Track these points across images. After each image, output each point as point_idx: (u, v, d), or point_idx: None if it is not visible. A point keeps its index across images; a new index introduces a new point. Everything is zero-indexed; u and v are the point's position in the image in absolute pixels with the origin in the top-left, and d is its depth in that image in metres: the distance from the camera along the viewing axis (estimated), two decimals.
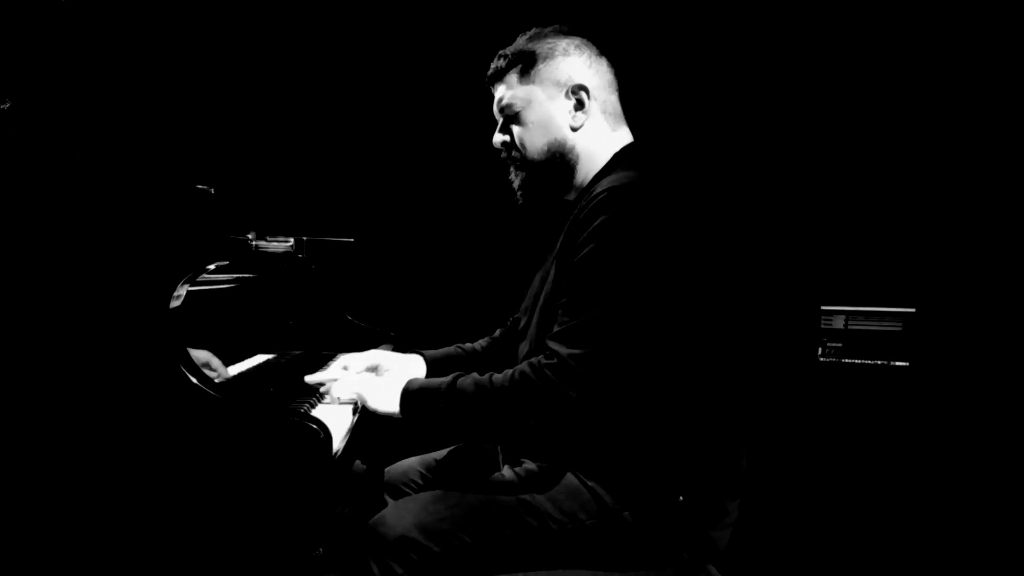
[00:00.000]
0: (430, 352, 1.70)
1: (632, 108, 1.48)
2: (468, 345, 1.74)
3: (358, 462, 1.80)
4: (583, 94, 1.38)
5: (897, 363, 2.51)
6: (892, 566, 2.32)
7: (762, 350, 2.68)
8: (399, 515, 1.23)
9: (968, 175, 2.56)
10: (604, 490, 1.23)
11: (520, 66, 1.40)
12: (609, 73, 1.43)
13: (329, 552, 1.65)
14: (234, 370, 1.47)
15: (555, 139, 1.39)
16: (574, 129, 1.39)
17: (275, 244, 1.80)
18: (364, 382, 1.37)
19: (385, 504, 1.51)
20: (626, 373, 1.19)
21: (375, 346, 2.01)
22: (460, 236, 2.94)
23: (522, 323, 1.49)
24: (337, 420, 1.26)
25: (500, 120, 1.47)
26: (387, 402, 1.29)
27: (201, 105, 2.56)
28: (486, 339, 1.75)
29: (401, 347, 1.86)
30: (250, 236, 1.68)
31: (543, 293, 1.37)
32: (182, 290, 1.18)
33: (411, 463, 1.61)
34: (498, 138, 1.47)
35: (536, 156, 1.41)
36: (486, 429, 1.25)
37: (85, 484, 1.12)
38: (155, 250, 1.17)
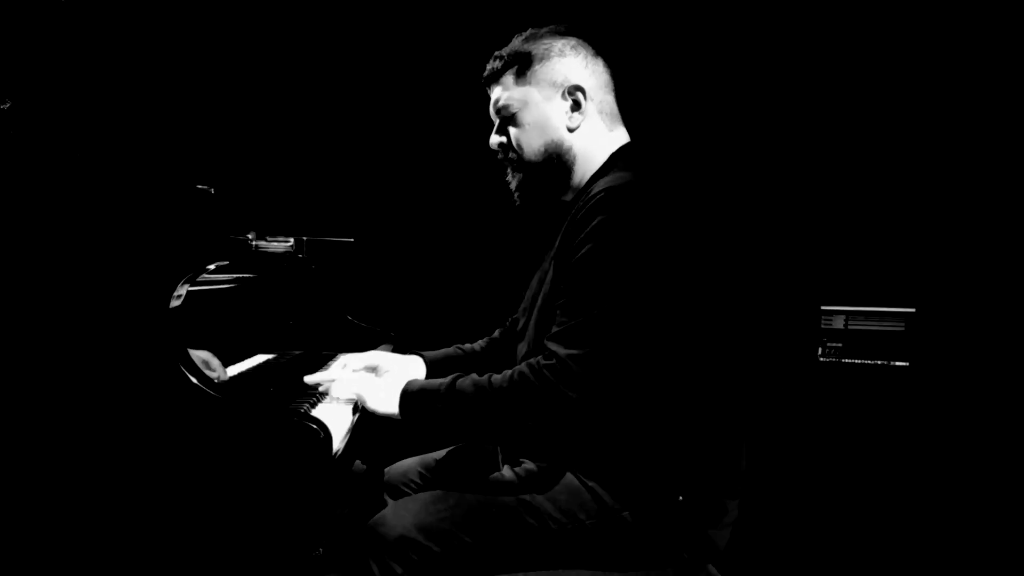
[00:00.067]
0: (429, 353, 1.70)
1: (630, 108, 1.48)
2: (467, 346, 1.74)
3: (358, 462, 1.80)
4: (579, 95, 1.38)
5: (897, 363, 2.51)
6: (892, 566, 2.32)
7: (762, 350, 2.68)
8: (399, 515, 1.23)
9: (968, 175, 2.56)
10: (604, 490, 1.23)
11: (516, 67, 1.40)
12: (605, 73, 1.43)
13: (329, 552, 1.65)
14: (234, 370, 1.47)
15: (552, 140, 1.39)
16: (571, 130, 1.39)
17: (275, 244, 1.80)
18: (363, 383, 1.36)
19: (385, 504, 1.52)
20: (625, 373, 1.19)
21: (375, 346, 2.01)
22: (460, 236, 2.94)
23: (520, 324, 1.49)
24: (337, 420, 1.26)
25: (496, 121, 1.46)
26: (386, 403, 1.29)
27: (201, 105, 2.56)
28: (485, 340, 1.75)
29: (401, 348, 1.86)
30: (250, 236, 1.68)
31: (541, 294, 1.37)
32: (182, 290, 1.18)
33: (411, 463, 1.61)
34: (495, 139, 1.47)
35: (533, 157, 1.41)
36: (485, 430, 1.25)
37: (85, 484, 1.12)
38: (155, 250, 1.17)
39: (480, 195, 2.69)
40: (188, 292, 1.21)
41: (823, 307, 2.62)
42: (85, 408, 1.11)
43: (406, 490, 1.55)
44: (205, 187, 1.40)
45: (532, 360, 1.19)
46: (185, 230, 1.22)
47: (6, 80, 1.50)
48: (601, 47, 1.44)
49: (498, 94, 1.43)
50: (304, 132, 2.87)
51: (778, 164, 2.75)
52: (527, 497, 1.25)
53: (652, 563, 1.25)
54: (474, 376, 1.24)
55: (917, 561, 2.31)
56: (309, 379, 1.45)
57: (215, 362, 1.33)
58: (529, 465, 1.32)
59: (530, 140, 1.40)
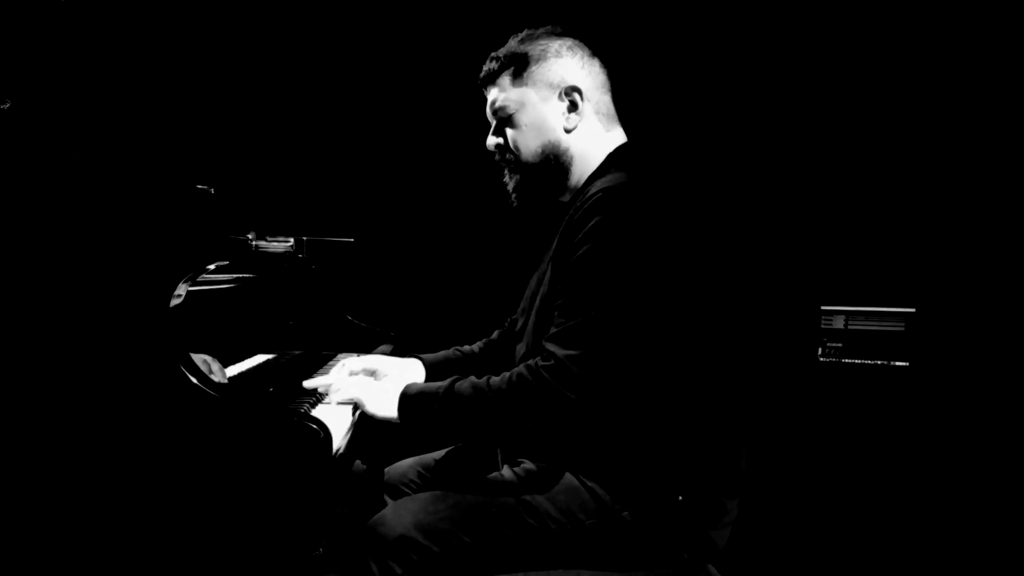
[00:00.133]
0: (428, 356, 1.70)
1: (627, 108, 1.47)
2: (466, 347, 1.74)
3: (358, 462, 1.80)
4: (576, 96, 1.37)
5: (897, 363, 2.51)
6: (892, 566, 2.32)
7: (762, 350, 2.68)
8: (398, 515, 1.23)
9: (968, 175, 2.56)
10: (603, 490, 1.23)
11: (513, 68, 1.40)
12: (602, 74, 1.43)
13: (329, 552, 1.65)
14: (234, 370, 1.47)
15: (549, 141, 1.39)
16: (568, 131, 1.39)
17: (275, 244, 1.80)
18: (362, 387, 1.36)
19: (385, 504, 1.52)
20: (624, 373, 1.19)
21: (375, 346, 2.01)
22: (459, 236, 2.94)
23: (519, 324, 1.49)
24: (337, 420, 1.26)
25: (493, 123, 1.46)
26: (385, 407, 1.29)
27: (201, 105, 2.56)
28: (483, 341, 1.76)
29: (400, 349, 1.86)
30: (250, 236, 1.68)
31: (539, 295, 1.37)
32: (182, 290, 1.18)
33: (411, 463, 1.61)
34: (491, 141, 1.46)
35: (530, 158, 1.41)
36: (484, 432, 1.25)
37: (85, 484, 1.12)
38: (155, 250, 1.17)
39: (479, 195, 2.69)
40: (188, 292, 1.21)
41: (823, 307, 2.62)
42: (85, 408, 1.11)
43: (406, 490, 1.55)
44: (205, 187, 1.39)
45: (531, 361, 1.19)
46: (185, 230, 1.22)
47: (6, 80, 1.50)
48: (597, 47, 1.44)
49: (495, 95, 1.43)
50: (304, 132, 2.87)
51: (778, 164, 2.75)
52: (527, 497, 1.25)
53: (652, 563, 1.25)
54: (472, 378, 1.24)
55: (917, 561, 2.31)
56: (308, 384, 1.45)
57: (215, 362, 1.33)
58: (528, 465, 1.32)
59: (527, 141, 1.40)
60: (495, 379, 1.21)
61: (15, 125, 1.40)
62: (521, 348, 1.42)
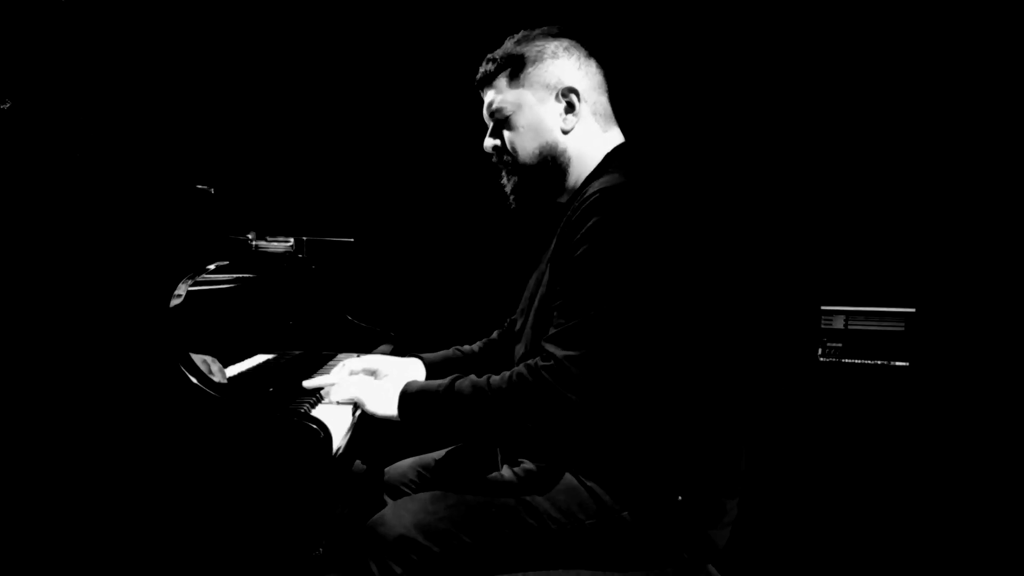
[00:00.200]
0: (428, 355, 1.70)
1: (625, 108, 1.47)
2: (466, 347, 1.74)
3: (358, 462, 1.80)
4: (573, 96, 1.37)
5: (897, 363, 2.51)
6: (892, 566, 2.32)
7: (762, 350, 2.68)
8: (398, 515, 1.23)
9: (968, 175, 2.56)
10: (603, 490, 1.23)
11: (509, 70, 1.39)
12: (599, 74, 1.42)
13: (329, 552, 1.65)
14: (234, 370, 1.47)
15: (546, 142, 1.39)
16: (565, 132, 1.38)
17: (275, 244, 1.80)
18: (362, 386, 1.36)
19: (385, 504, 1.52)
20: (623, 373, 1.18)
21: (375, 346, 2.01)
22: (459, 237, 2.94)
23: (518, 325, 1.49)
24: (337, 420, 1.26)
25: (490, 125, 1.46)
26: (385, 406, 1.29)
27: (201, 105, 2.56)
28: (483, 341, 1.76)
29: (400, 349, 1.86)
30: (250, 236, 1.68)
31: (538, 295, 1.37)
32: (182, 290, 1.18)
33: (411, 463, 1.62)
34: (489, 143, 1.46)
35: (528, 160, 1.40)
36: (484, 431, 1.24)
37: (84, 484, 1.12)
38: (155, 250, 1.17)
39: (479, 196, 2.69)
40: (188, 292, 1.21)
41: (823, 307, 2.62)
42: (85, 408, 1.11)
43: (406, 490, 1.55)
44: (205, 187, 1.39)
45: (530, 361, 1.19)
46: (185, 230, 1.22)
47: (6, 80, 1.50)
48: (594, 48, 1.43)
49: (491, 97, 1.43)
50: (304, 132, 2.87)
51: (778, 164, 2.75)
52: (527, 497, 1.25)
53: (652, 563, 1.25)
54: (473, 377, 1.24)
55: (917, 561, 2.31)
56: (308, 384, 1.45)
57: (215, 362, 1.33)
58: (528, 465, 1.32)
59: (524, 143, 1.40)
60: (495, 378, 1.21)
61: (15, 125, 1.40)
62: (520, 348, 1.42)
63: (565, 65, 1.38)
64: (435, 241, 2.95)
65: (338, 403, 1.37)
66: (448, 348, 1.75)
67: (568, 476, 1.26)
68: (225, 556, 1.16)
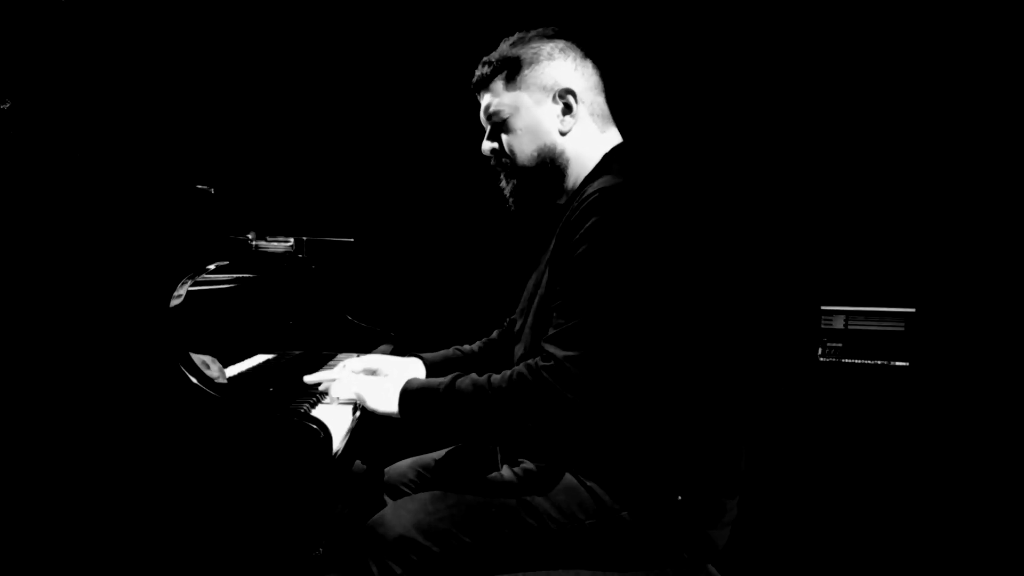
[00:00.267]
0: (428, 355, 1.70)
1: (624, 108, 1.47)
2: (466, 347, 1.74)
3: (358, 462, 1.80)
4: (570, 98, 1.37)
5: (897, 363, 2.51)
6: (891, 566, 2.32)
7: (762, 350, 2.68)
8: (398, 515, 1.23)
9: (968, 175, 2.56)
10: (603, 490, 1.23)
11: (505, 72, 1.39)
12: (595, 75, 1.42)
13: (329, 552, 1.65)
14: (234, 370, 1.47)
15: (544, 144, 1.38)
16: (563, 133, 1.38)
17: (275, 244, 1.80)
18: (363, 382, 1.37)
19: (385, 504, 1.52)
20: (623, 373, 1.18)
21: (375, 346, 2.01)
22: (458, 237, 2.94)
23: (518, 325, 1.49)
24: (337, 420, 1.27)
25: (488, 128, 1.45)
26: (386, 402, 1.29)
27: (201, 105, 2.56)
28: (482, 340, 1.76)
29: (400, 348, 1.86)
30: (250, 236, 1.68)
31: (538, 295, 1.37)
32: (182, 290, 1.18)
33: (410, 463, 1.62)
34: (487, 146, 1.46)
35: (526, 162, 1.40)
36: (484, 429, 1.25)
37: (84, 484, 1.12)
38: (155, 250, 1.17)
39: (479, 196, 2.69)
40: (188, 292, 1.21)
41: (823, 307, 2.62)
42: (85, 408, 1.11)
43: (406, 490, 1.55)
44: (205, 187, 1.39)
45: (531, 361, 1.19)
46: (185, 230, 1.22)
47: (6, 80, 1.50)
48: (590, 48, 1.43)
49: (488, 100, 1.42)
50: (304, 132, 2.87)
51: (778, 164, 2.75)
52: (526, 497, 1.25)
53: (651, 563, 1.25)
54: (474, 376, 1.24)
55: (916, 561, 2.31)
56: (309, 379, 1.45)
57: (215, 362, 1.33)
58: (528, 465, 1.32)
59: (522, 145, 1.39)
60: (496, 377, 1.21)
61: (15, 125, 1.40)
62: (519, 349, 1.42)
63: (561, 66, 1.38)
64: (435, 241, 2.95)
65: (339, 401, 1.37)
66: (448, 348, 1.75)
67: (568, 476, 1.26)
68: (225, 556, 1.16)
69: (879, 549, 2.37)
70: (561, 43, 1.40)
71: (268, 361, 1.64)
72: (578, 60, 1.40)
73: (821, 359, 2.59)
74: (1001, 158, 2.51)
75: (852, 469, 2.46)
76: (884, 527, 2.40)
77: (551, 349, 1.17)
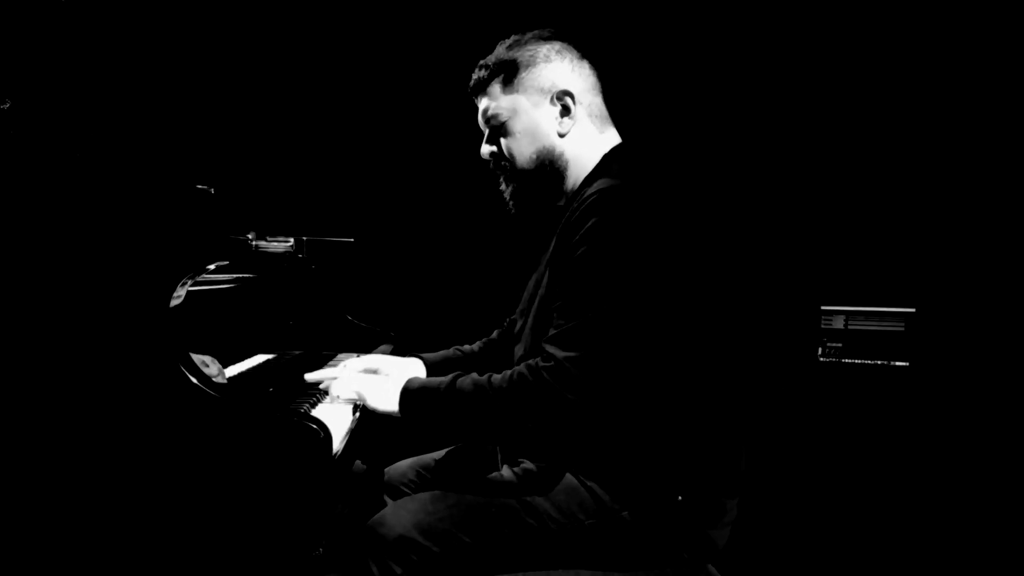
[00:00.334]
0: (429, 355, 1.70)
1: (623, 108, 1.46)
2: (466, 347, 1.74)
3: (358, 462, 1.81)
4: (568, 99, 1.37)
5: (897, 363, 2.51)
6: (891, 566, 2.32)
7: (762, 350, 2.68)
8: (398, 515, 1.23)
9: (968, 175, 2.56)
10: (603, 490, 1.23)
11: (502, 75, 1.39)
12: (592, 76, 1.41)
13: (329, 552, 1.65)
14: (234, 370, 1.47)
15: (543, 147, 1.38)
16: (561, 135, 1.38)
17: (275, 244, 1.80)
18: (364, 381, 1.36)
19: (384, 504, 1.52)
20: (623, 374, 1.18)
21: (375, 346, 2.01)
22: (459, 237, 2.94)
23: (518, 325, 1.49)
24: (337, 420, 1.27)
25: (486, 131, 1.45)
26: (387, 401, 1.29)
27: (201, 105, 2.56)
28: (483, 341, 1.76)
29: (400, 349, 1.86)
30: (250, 236, 1.68)
31: (538, 296, 1.37)
32: (182, 290, 1.18)
33: (410, 463, 1.62)
34: (485, 149, 1.46)
35: (525, 165, 1.40)
36: (484, 429, 1.24)
37: (84, 484, 1.12)
38: (155, 250, 1.17)
39: (479, 196, 2.69)
40: (188, 292, 1.21)
41: (823, 307, 2.62)
42: (85, 408, 1.11)
43: (406, 490, 1.55)
44: (205, 187, 1.39)
45: (531, 361, 1.19)
46: (185, 230, 1.22)
47: (6, 80, 1.50)
48: (587, 49, 1.42)
49: (486, 104, 1.42)
50: (304, 132, 2.87)
51: (778, 164, 2.75)
52: (526, 497, 1.25)
53: (652, 563, 1.25)
54: (474, 375, 1.24)
55: (916, 560, 2.31)
56: (310, 377, 1.45)
57: (215, 362, 1.33)
58: (528, 465, 1.32)
59: (521, 148, 1.39)
60: (496, 377, 1.21)
61: (15, 125, 1.40)
62: (519, 349, 1.42)
63: (558, 68, 1.38)
64: (435, 241, 2.95)
65: (339, 399, 1.37)
66: (448, 348, 1.75)
67: (568, 476, 1.26)
68: (225, 556, 1.16)
69: (879, 549, 2.37)
70: (558, 44, 1.40)
71: (268, 361, 1.64)
72: (575, 61, 1.39)
73: (821, 359, 2.59)
74: (1001, 158, 2.51)
75: (852, 469, 2.46)
76: (884, 527, 2.40)
77: (551, 350, 1.17)
